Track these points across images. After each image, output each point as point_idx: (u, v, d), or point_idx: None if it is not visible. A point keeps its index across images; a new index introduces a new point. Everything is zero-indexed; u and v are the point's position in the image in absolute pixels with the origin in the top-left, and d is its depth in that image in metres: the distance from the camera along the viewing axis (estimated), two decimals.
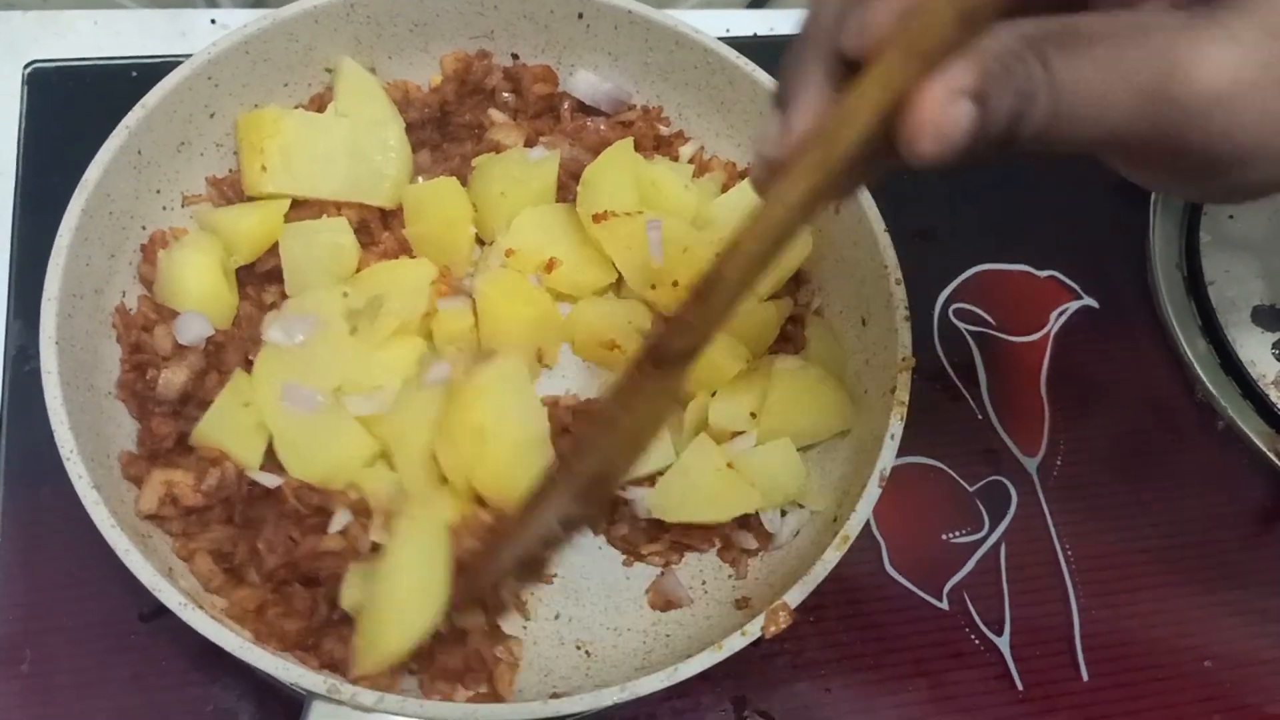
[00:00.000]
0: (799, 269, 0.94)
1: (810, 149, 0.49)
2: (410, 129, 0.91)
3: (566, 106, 0.98)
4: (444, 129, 0.94)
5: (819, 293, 0.94)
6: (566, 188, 0.91)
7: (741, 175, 0.96)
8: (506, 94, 0.97)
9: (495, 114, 0.95)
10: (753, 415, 0.85)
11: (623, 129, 0.96)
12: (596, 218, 0.87)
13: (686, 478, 0.82)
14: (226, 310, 0.85)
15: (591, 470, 0.66)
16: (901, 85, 0.46)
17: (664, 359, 0.58)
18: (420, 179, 0.92)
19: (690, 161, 0.97)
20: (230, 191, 0.88)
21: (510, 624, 0.80)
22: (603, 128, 0.96)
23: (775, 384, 0.85)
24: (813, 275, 0.94)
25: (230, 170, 0.90)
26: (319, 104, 0.91)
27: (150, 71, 0.98)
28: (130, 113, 0.80)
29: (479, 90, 0.95)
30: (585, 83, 0.97)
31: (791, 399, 0.86)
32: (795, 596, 0.72)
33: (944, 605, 0.90)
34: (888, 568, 0.90)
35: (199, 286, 0.82)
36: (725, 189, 0.95)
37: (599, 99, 0.97)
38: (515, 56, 0.97)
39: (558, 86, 0.97)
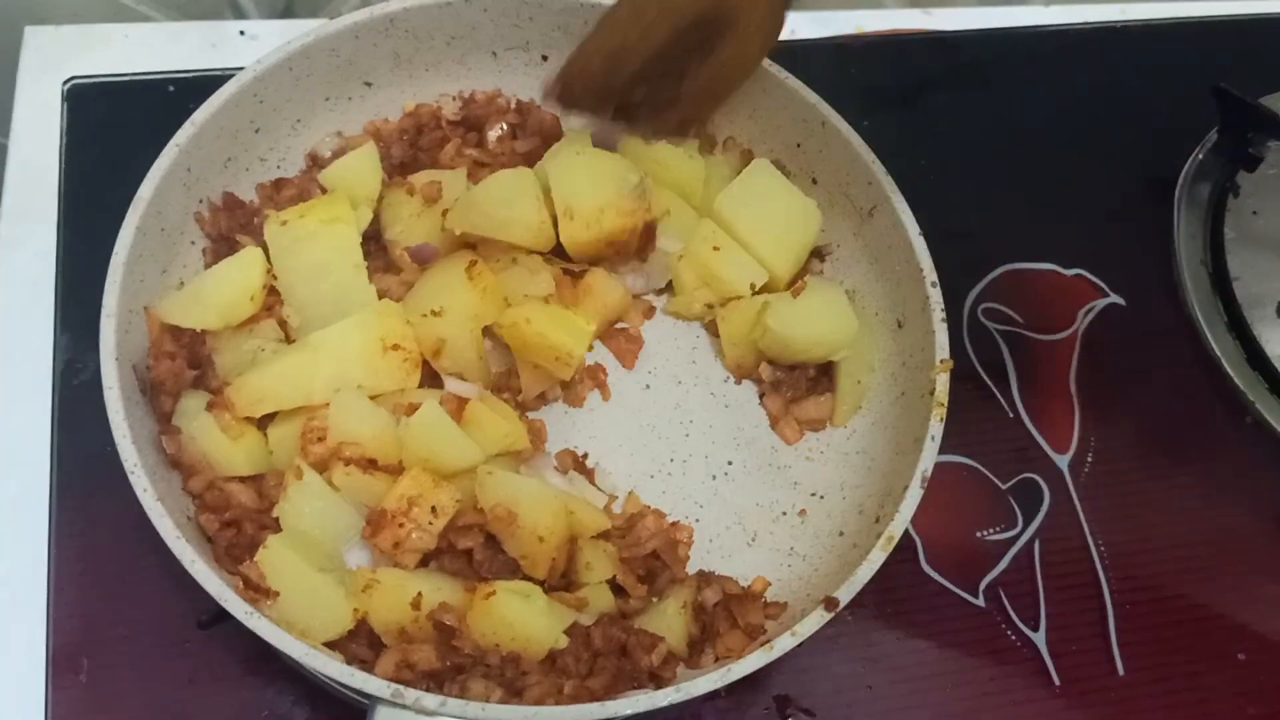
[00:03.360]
0: (816, 246, 0.96)
1: None
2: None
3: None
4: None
5: (846, 277, 0.96)
6: None
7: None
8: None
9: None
10: None
11: None
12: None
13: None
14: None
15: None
16: None
17: None
18: None
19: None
20: (279, 199, 0.90)
21: None
22: None
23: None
24: (831, 249, 0.96)
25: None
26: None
27: (187, 85, 1.00)
28: (180, 130, 0.81)
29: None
30: None
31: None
32: (845, 594, 0.74)
33: (980, 602, 0.91)
34: (924, 566, 0.92)
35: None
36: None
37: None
38: (544, 58, 0.98)
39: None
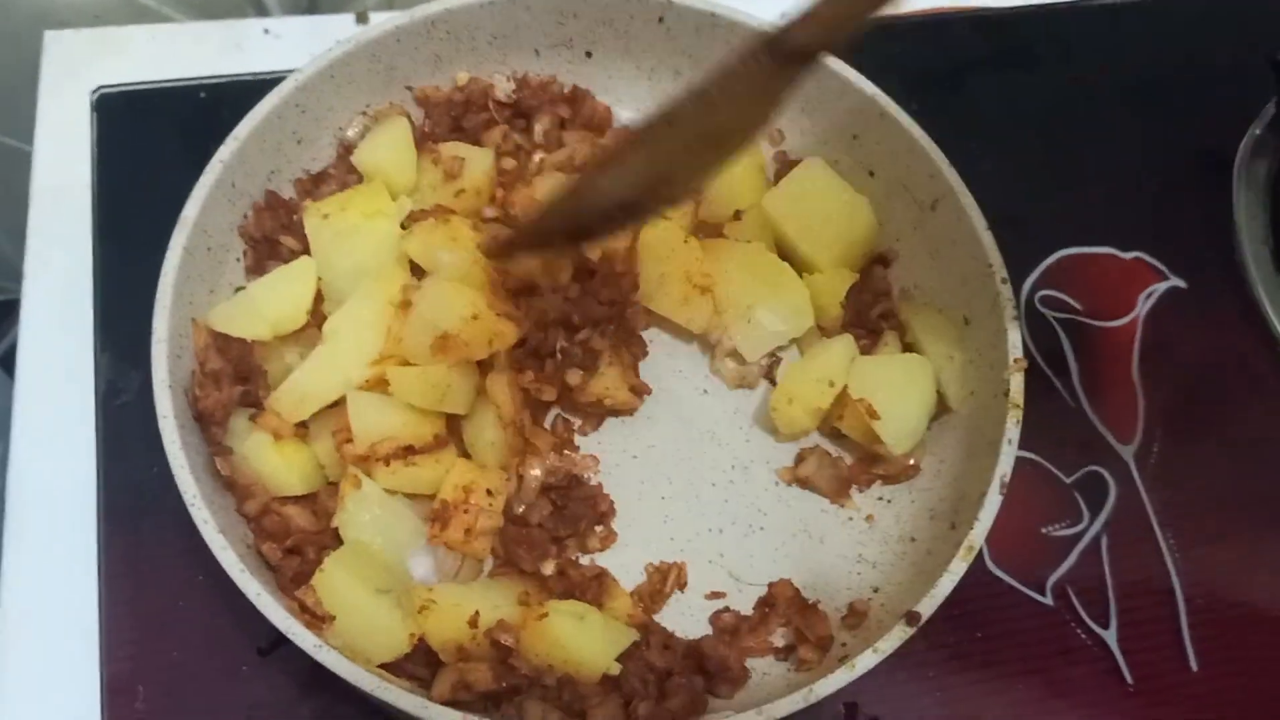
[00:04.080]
0: (879, 251, 0.93)
1: None
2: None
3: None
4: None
5: (905, 274, 0.93)
6: None
7: None
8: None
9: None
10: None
11: None
12: None
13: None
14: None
15: (667, 155, 0.62)
16: None
17: (783, 52, 0.57)
18: None
19: None
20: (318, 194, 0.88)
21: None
22: None
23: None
24: (898, 254, 0.94)
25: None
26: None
27: (218, 92, 0.97)
28: (223, 145, 0.79)
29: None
30: None
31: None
32: (927, 608, 0.72)
33: (1048, 600, 0.89)
34: (990, 564, 0.89)
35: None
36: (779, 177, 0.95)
37: None
38: (589, 54, 0.95)
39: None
